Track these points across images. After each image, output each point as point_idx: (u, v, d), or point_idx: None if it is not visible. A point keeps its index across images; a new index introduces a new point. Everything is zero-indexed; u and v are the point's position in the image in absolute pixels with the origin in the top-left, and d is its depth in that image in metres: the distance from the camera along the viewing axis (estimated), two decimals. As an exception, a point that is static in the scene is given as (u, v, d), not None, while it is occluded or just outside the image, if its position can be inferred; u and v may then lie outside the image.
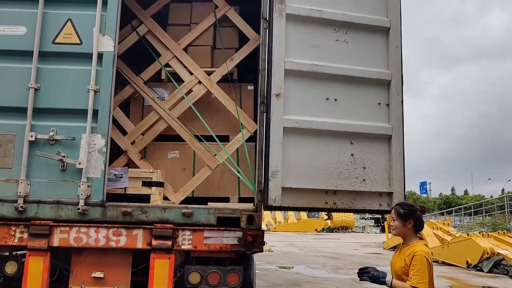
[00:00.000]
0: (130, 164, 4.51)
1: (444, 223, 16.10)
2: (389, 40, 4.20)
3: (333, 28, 4.09)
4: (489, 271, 11.21)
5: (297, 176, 3.80)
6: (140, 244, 3.64)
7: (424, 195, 61.63)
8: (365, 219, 44.12)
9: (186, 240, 3.68)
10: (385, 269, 3.12)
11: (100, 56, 3.84)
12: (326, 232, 37.67)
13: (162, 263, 3.60)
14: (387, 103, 4.11)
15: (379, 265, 10.31)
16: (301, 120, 3.88)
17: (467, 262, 12.07)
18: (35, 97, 3.75)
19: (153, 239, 3.63)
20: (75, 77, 3.82)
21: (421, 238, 3.15)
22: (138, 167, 4.43)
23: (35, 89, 3.76)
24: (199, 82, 4.66)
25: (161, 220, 3.72)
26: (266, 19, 4.01)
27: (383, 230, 31.90)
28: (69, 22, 3.90)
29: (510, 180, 60.96)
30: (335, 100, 4.00)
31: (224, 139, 4.65)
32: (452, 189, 78.30)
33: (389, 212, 3.71)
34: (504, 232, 13.21)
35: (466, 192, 71.91)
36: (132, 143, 4.56)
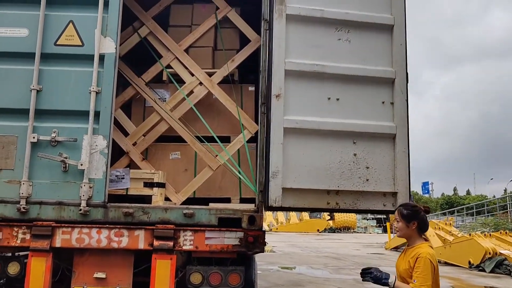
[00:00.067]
0: (132, 165, 4.53)
1: (446, 223, 16.08)
2: (393, 38, 4.14)
3: (335, 27, 4.07)
4: (491, 271, 11.19)
5: (298, 176, 3.79)
6: (141, 245, 3.66)
7: (426, 195, 61.54)
8: (367, 220, 44.09)
9: (187, 241, 3.69)
10: (387, 269, 3.09)
11: (101, 57, 3.86)
12: (328, 232, 37.68)
13: (163, 263, 3.61)
14: (392, 102, 4.06)
15: (381, 265, 10.31)
16: (302, 120, 3.87)
17: (469, 262, 12.05)
18: (37, 99, 3.77)
19: (154, 240, 3.64)
20: (76, 78, 3.84)
21: (426, 239, 3.09)
22: (140, 168, 4.45)
23: (37, 91, 3.78)
24: (200, 83, 4.68)
25: (163, 221, 3.74)
26: (267, 20, 4.02)
27: (385, 231, 31.87)
28: (70, 24, 3.92)
29: (512, 180, 60.77)
30: (337, 99, 3.98)
31: (225, 140, 4.66)
32: (454, 189, 78.32)
33: (393, 212, 3.64)
34: (506, 232, 13.17)
35: (468, 192, 71.86)
36: (134, 144, 4.57)
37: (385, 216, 35.57)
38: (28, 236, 3.62)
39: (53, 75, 3.83)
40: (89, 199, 3.69)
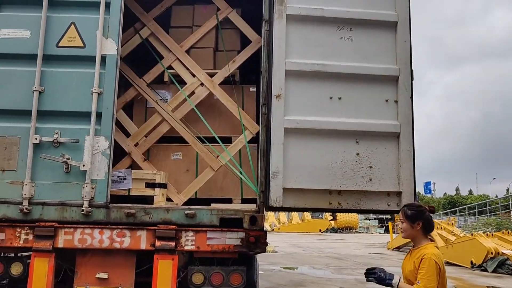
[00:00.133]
0: (134, 165, 4.55)
1: (448, 223, 16.06)
2: (397, 35, 4.07)
3: (336, 25, 4.04)
4: (494, 271, 11.18)
5: (300, 176, 3.79)
6: (143, 245, 3.68)
7: (428, 195, 61.40)
8: (369, 220, 44.07)
9: (189, 241, 3.71)
10: (389, 269, 3.04)
11: (103, 59, 3.88)
12: (330, 232, 37.65)
13: (165, 263, 3.63)
14: (396, 100, 4.00)
15: (383, 265, 10.31)
16: (303, 120, 3.86)
17: (471, 262, 12.04)
18: (39, 100, 3.79)
19: (156, 240, 3.66)
20: (78, 80, 3.86)
21: (431, 240, 3.03)
22: (142, 169, 4.46)
23: (39, 92, 3.80)
24: (202, 84, 4.69)
25: (165, 221, 3.75)
26: (267, 21, 4.02)
27: (387, 231, 31.83)
28: (72, 25, 3.94)
29: (515, 179, 60.56)
30: (339, 98, 3.94)
31: (227, 140, 4.68)
32: (457, 189, 78.07)
33: (398, 212, 3.60)
34: (508, 232, 13.15)
35: (470, 192, 71.67)
36: (136, 145, 4.59)
37: (387, 216, 35.56)
38: (30, 237, 3.64)
39: (55, 77, 3.86)
40: (91, 200, 3.71)
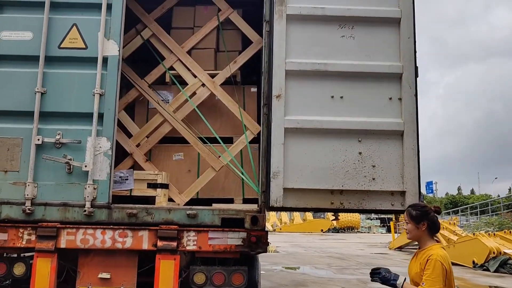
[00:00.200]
0: (136, 166, 4.57)
1: (450, 223, 16.04)
2: (401, 31, 4.01)
3: (338, 24, 4.01)
4: (496, 271, 11.16)
5: (301, 176, 3.78)
6: (145, 245, 3.69)
7: (430, 195, 61.25)
8: (371, 220, 44.03)
9: (191, 241, 3.72)
10: (391, 269, 3.01)
11: (105, 60, 3.90)
12: (332, 232, 37.62)
13: (167, 263, 3.64)
14: (399, 97, 3.94)
15: (385, 265, 10.27)
16: (304, 120, 3.85)
17: (473, 262, 12.03)
18: (42, 101, 3.82)
19: (158, 240, 3.67)
20: (80, 81, 3.88)
21: (437, 241, 2.98)
22: (143, 169, 4.48)
23: (42, 93, 3.82)
24: (203, 84, 4.71)
25: (166, 222, 3.77)
26: (268, 21, 4.03)
27: (389, 230, 31.80)
28: (74, 27, 3.96)
29: (517, 179, 60.42)
30: (341, 97, 3.92)
31: (228, 140, 4.69)
32: (459, 189, 77.95)
33: (402, 212, 3.56)
34: (510, 232, 13.13)
35: (472, 192, 71.47)
36: (137, 145, 4.61)
37: (389, 216, 35.51)
38: (33, 237, 3.66)
39: (57, 78, 3.88)
40: (93, 200, 3.73)
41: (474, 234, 13.49)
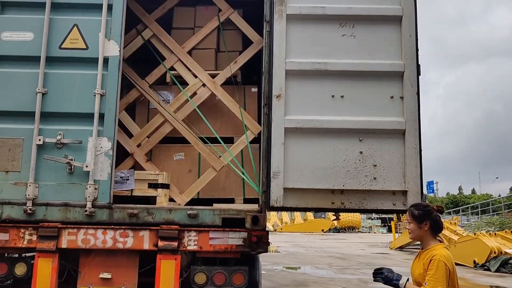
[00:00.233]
0: (136, 166, 4.58)
1: (451, 223, 16.04)
2: (402, 29, 3.98)
3: (338, 23, 4.00)
4: (497, 271, 11.16)
5: (301, 176, 3.78)
6: (146, 245, 3.70)
7: (431, 195, 61.21)
8: (372, 219, 44.00)
9: (191, 241, 3.73)
10: (393, 269, 3.03)
11: (106, 60, 3.91)
12: (333, 232, 37.59)
13: (168, 263, 3.65)
14: (401, 96, 3.91)
15: (386, 265, 10.27)
16: (304, 120, 3.85)
17: (474, 262, 12.02)
18: (43, 102, 3.82)
19: (159, 240, 3.68)
20: (81, 81, 3.89)
21: (440, 241, 2.95)
22: (144, 169, 4.49)
23: (43, 94, 3.83)
24: (204, 84, 4.71)
25: (167, 222, 3.77)
26: (268, 21, 4.03)
27: (390, 230, 31.78)
28: (75, 27, 3.97)
29: (518, 178, 60.34)
30: (342, 97, 3.90)
31: (229, 140, 4.70)
32: (460, 188, 77.94)
33: (405, 211, 3.51)
34: (511, 231, 13.13)
35: (473, 191, 71.46)
36: (138, 145, 4.62)
37: (390, 216, 35.49)
38: (34, 237, 3.67)
39: (58, 78, 3.88)
40: (94, 201, 3.73)
41: (475, 234, 13.48)
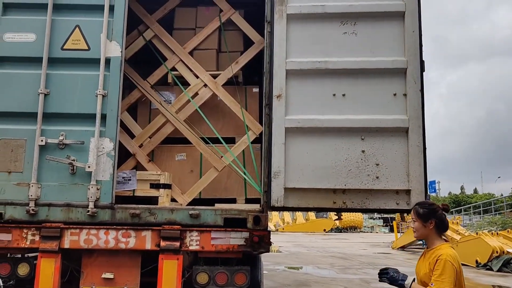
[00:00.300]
0: (138, 166, 4.59)
1: (453, 222, 16.01)
2: (405, 25, 3.92)
3: (339, 21, 3.98)
4: (499, 270, 11.14)
5: (302, 176, 3.78)
6: (148, 245, 3.71)
7: (433, 194, 61.08)
8: (374, 219, 43.95)
9: (193, 241, 3.74)
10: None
11: (107, 61, 3.92)
12: (335, 232, 37.59)
13: (170, 263, 3.66)
14: (404, 93, 3.85)
15: (388, 264, 10.28)
16: (305, 119, 3.84)
17: (477, 261, 12.01)
18: (45, 103, 3.84)
19: (161, 240, 3.69)
20: (83, 82, 3.90)
21: (446, 240, 2.89)
22: (146, 170, 4.50)
23: (45, 95, 3.85)
24: (205, 85, 4.72)
25: (169, 222, 3.78)
26: (269, 22, 4.04)
27: (391, 230, 31.74)
28: (77, 28, 3.98)
29: (520, 178, 60.17)
30: (343, 95, 3.88)
31: (230, 141, 4.71)
32: (462, 188, 77.76)
33: (408, 211, 3.47)
34: (513, 231, 13.11)
35: (475, 191, 71.35)
36: (140, 146, 4.63)
37: (391, 216, 35.45)
38: (37, 238, 3.69)
39: (60, 79, 3.90)
40: (96, 201, 3.75)
41: (477, 233, 13.47)
